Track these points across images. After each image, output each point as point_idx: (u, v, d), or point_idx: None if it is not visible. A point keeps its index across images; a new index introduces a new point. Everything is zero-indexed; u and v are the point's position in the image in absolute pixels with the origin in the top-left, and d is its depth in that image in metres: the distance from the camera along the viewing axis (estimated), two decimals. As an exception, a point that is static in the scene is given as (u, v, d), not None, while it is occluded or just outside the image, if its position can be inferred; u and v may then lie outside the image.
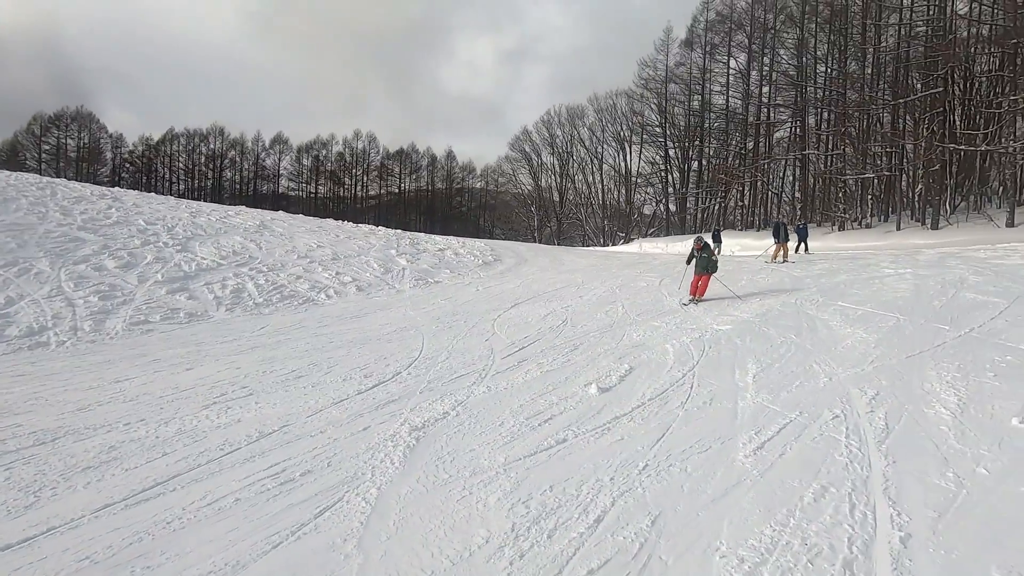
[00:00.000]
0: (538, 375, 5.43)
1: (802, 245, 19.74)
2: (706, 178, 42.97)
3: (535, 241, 48.05)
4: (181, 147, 63.23)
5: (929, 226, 24.75)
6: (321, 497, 3.07)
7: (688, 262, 10.15)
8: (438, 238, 22.82)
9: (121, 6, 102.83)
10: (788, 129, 37.22)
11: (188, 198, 32.19)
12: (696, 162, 44.73)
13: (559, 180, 53.60)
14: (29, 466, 3.67)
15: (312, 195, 66.65)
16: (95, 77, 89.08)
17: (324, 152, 67.00)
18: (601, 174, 51.13)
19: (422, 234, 24.74)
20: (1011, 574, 2.29)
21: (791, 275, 12.10)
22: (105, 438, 4.16)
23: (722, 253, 23.76)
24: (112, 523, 2.86)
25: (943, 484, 3.01)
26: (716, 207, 41.68)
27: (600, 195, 51.23)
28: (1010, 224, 21.87)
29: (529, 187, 54.85)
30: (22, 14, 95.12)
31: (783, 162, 37.57)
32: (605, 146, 50.65)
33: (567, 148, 52.52)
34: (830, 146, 32.30)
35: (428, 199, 69.19)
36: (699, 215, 43.35)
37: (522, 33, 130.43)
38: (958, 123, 26.41)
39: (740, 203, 39.45)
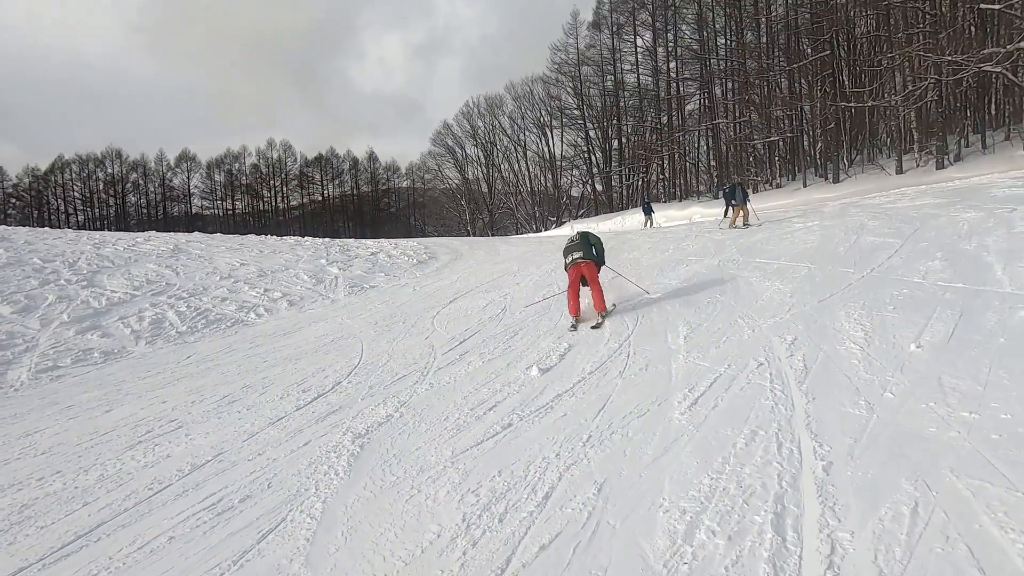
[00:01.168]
0: (480, 365, 5.43)
1: (730, 208, 20.78)
2: (627, 155, 44.25)
3: (469, 235, 47.93)
4: (75, 175, 58.23)
5: (831, 180, 26.64)
6: (263, 520, 2.95)
7: (565, 266, 7.18)
8: (369, 242, 22.29)
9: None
10: (697, 101, 38.90)
11: (89, 229, 29.77)
12: (616, 140, 45.95)
13: (486, 171, 53.65)
14: (-74, 542, 3.30)
15: (229, 212, 63.26)
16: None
17: (237, 165, 63.78)
18: (526, 161, 51.62)
19: (352, 240, 24.08)
20: (918, 481, 2.52)
21: (713, 239, 12.70)
22: (15, 497, 3.80)
23: (654, 225, 24.59)
24: (30, 586, 2.62)
25: (856, 412, 3.27)
26: (639, 182, 43.04)
27: (528, 182, 51.72)
28: (899, 171, 23.89)
29: (456, 181, 54.58)
30: None
31: (696, 133, 39.27)
32: (527, 133, 51.13)
33: (490, 138, 52.58)
34: (737, 114, 34.05)
35: (355, 203, 67.34)
36: (624, 192, 44.63)
37: (431, 26, 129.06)
38: (847, 82, 28.50)
39: (661, 176, 40.93)
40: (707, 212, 27.64)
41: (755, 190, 30.66)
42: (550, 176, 50.07)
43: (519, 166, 52.06)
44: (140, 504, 3.35)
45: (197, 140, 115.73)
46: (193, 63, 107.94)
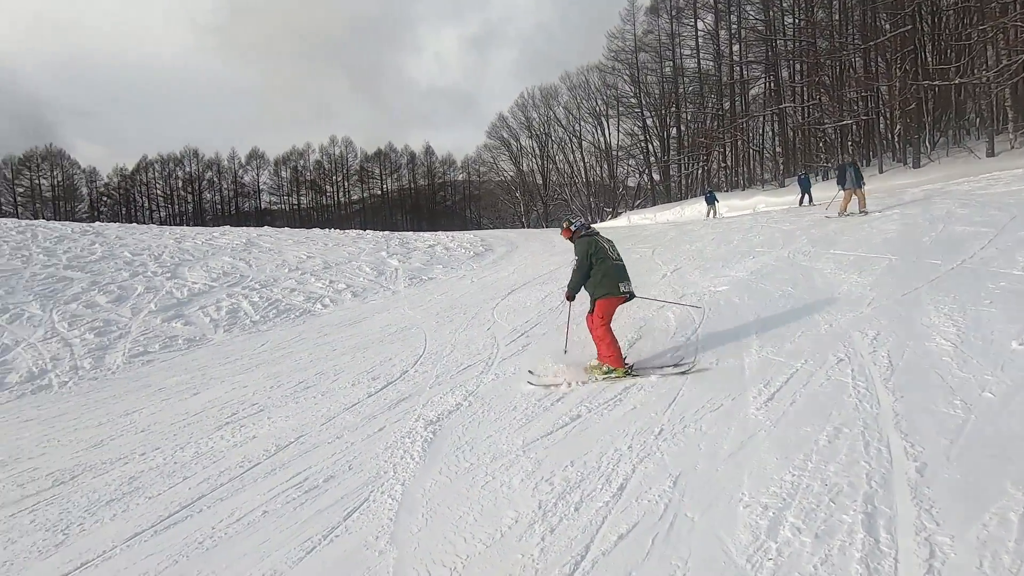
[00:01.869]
0: (544, 356, 5.47)
1: (806, 196, 19.87)
2: (686, 143, 42.94)
3: (523, 227, 48.04)
4: (157, 174, 62.47)
5: (911, 165, 24.88)
6: (347, 499, 3.10)
7: (572, 290, 4.85)
8: (427, 235, 22.75)
9: (71, 38, 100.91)
10: (762, 85, 37.18)
11: (170, 224, 31.92)
12: (675, 128, 44.65)
13: (540, 163, 53.45)
14: (52, 506, 3.68)
15: (295, 207, 66.15)
16: (58, 113, 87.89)
17: (302, 162, 66.44)
18: (581, 151, 51.01)
19: (410, 233, 24.65)
20: (1026, 488, 2.35)
21: (781, 229, 12.17)
22: (123, 470, 4.17)
23: (718, 215, 23.78)
24: (145, 550, 2.88)
25: (951, 412, 3.08)
26: (699, 171, 41.71)
27: (583, 173, 51.15)
28: (990, 154, 22.01)
29: (511, 173, 54.66)
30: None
31: (761, 118, 37.58)
32: (582, 123, 50.47)
33: (545, 130, 52.28)
34: (806, 97, 32.33)
35: (412, 197, 68.83)
36: (683, 181, 43.39)
37: (485, 18, 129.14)
38: (930, 59, 26.45)
39: (723, 164, 39.49)
40: (773, 201, 26.47)
41: (825, 177, 29.09)
42: (606, 166, 49.35)
43: (574, 157, 51.60)
44: (234, 480, 3.60)
45: (265, 138, 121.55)
46: (258, 64, 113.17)
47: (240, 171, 64.95)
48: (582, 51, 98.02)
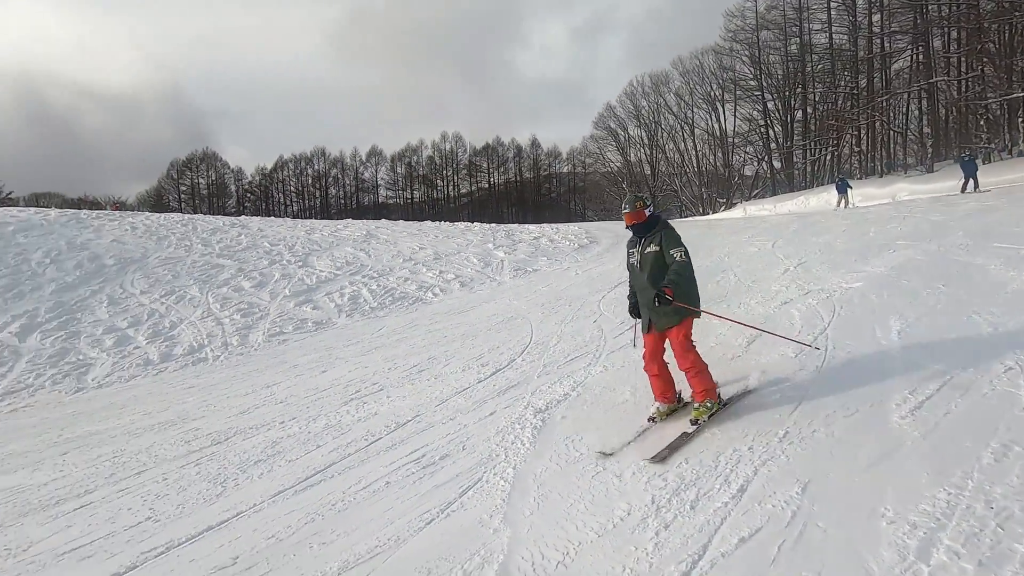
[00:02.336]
0: (654, 350, 5.31)
1: (971, 181, 17.51)
2: (813, 127, 39.33)
3: (629, 219, 46.79)
4: (291, 172, 69.07)
5: (1105, 143, 20.85)
6: (462, 478, 3.25)
7: (632, 310, 3.88)
8: (531, 227, 22.97)
9: (224, 52, 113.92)
10: (908, 58, 32.98)
11: (301, 218, 35.13)
12: (800, 111, 41.06)
13: (649, 152, 51.70)
14: (212, 462, 4.24)
15: (408, 200, 69.89)
16: (212, 120, 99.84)
17: (415, 158, 69.92)
18: (693, 139, 48.57)
19: (515, 225, 25.05)
20: None
21: (929, 220, 10.78)
22: (267, 435, 4.69)
23: (850, 204, 21.56)
24: (287, 507, 3.23)
25: None
26: (828, 157, 38.03)
27: (694, 162, 48.73)
28: None
29: (618, 164, 53.41)
30: (150, 73, 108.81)
31: (905, 96, 33.41)
32: (695, 109, 47.98)
33: (654, 118, 50.40)
34: (963, 69, 28.20)
35: (517, 190, 69.85)
36: (808, 169, 39.83)
37: (594, 8, 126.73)
38: None
39: (856, 149, 35.67)
40: (918, 188, 23.48)
41: (986, 159, 25.27)
42: (719, 154, 46.60)
43: (685, 145, 49.28)
44: (359, 452, 3.91)
45: (383, 136, 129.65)
46: (378, 65, 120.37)
47: (361, 168, 69.85)
48: (695, 34, 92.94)
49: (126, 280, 13.51)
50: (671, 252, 3.59)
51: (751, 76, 42.95)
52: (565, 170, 68.97)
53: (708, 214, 41.05)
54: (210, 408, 6.12)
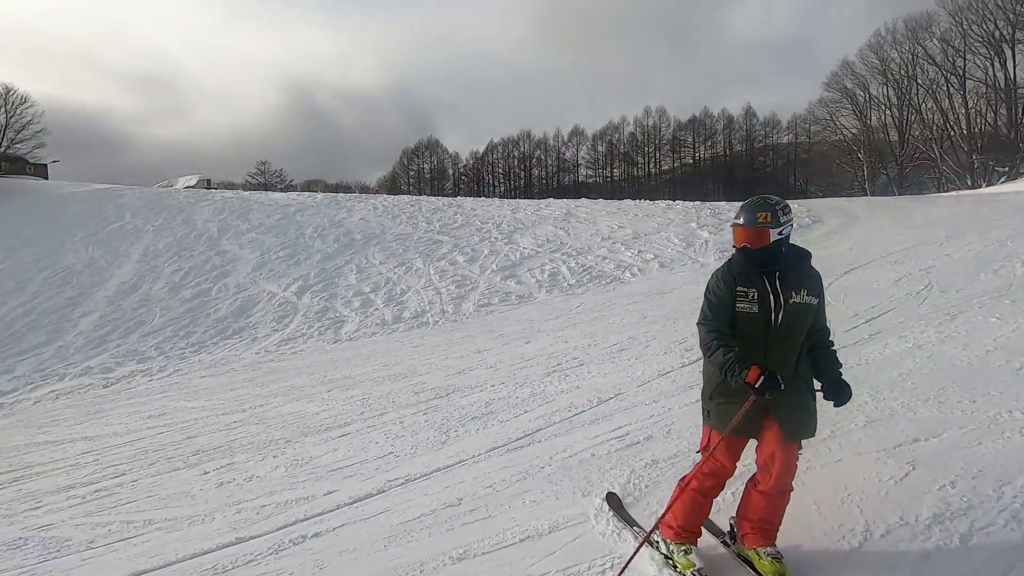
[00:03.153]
0: (903, 350, 4.50)
1: None
2: None
3: (865, 194, 39.94)
4: (499, 155, 74.00)
5: None
6: (667, 463, 3.18)
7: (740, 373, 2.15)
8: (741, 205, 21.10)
9: (444, 45, 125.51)
10: None
11: (507, 198, 37.48)
12: None
13: (897, 114, 43.09)
14: (437, 413, 4.84)
15: (608, 179, 69.66)
16: (433, 108, 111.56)
17: (616, 136, 69.11)
18: (963, 95, 39.04)
19: (723, 203, 23.23)
20: None
21: None
22: (480, 396, 5.18)
23: None
24: (500, 462, 3.54)
25: None
26: None
27: (963, 123, 39.23)
28: None
29: (854, 130, 45.51)
30: (386, 72, 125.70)
31: None
32: (968, 56, 38.43)
33: (908, 71, 41.63)
34: None
35: (726, 164, 64.60)
36: None
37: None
38: None
39: None
40: None
41: None
42: (1003, 111, 36.73)
43: (949, 103, 39.91)
44: (563, 421, 4.09)
45: (585, 115, 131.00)
46: (579, 46, 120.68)
47: (562, 148, 71.58)
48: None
49: (369, 252, 16.03)
50: (824, 317, 2.35)
51: (1062, 4, 32.76)
52: (784, 140, 61.53)
53: (979, 187, 32.92)
54: (433, 366, 6.97)
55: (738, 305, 2.23)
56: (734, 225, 2.26)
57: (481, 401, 4.97)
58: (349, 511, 3.18)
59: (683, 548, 2.28)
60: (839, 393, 2.23)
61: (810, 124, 51.76)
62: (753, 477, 2.25)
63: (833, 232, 13.54)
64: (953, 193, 30.03)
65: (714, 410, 2.27)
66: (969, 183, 35.70)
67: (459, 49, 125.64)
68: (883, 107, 43.64)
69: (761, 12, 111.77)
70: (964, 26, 37.58)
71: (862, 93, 44.08)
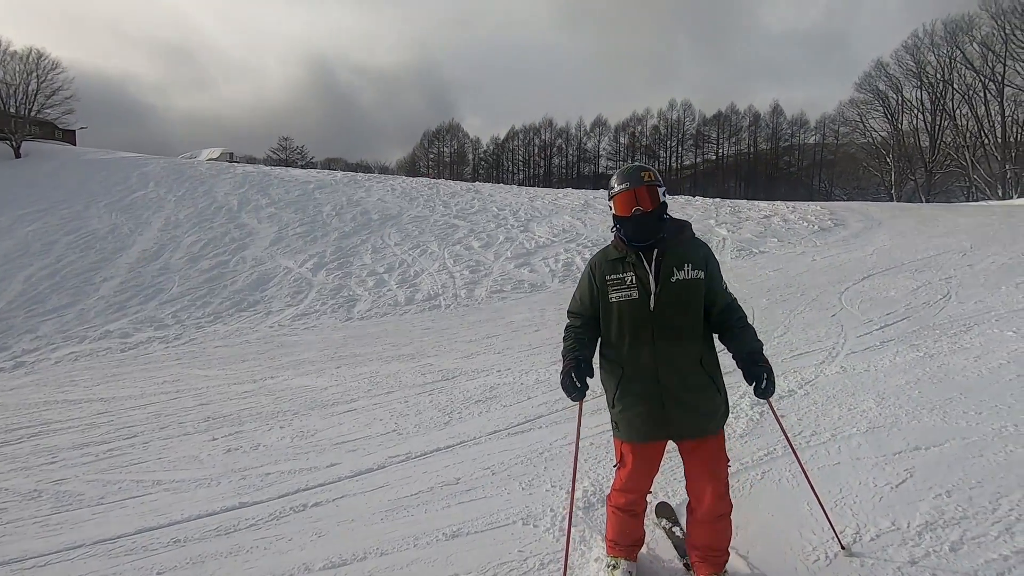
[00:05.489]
0: (914, 358, 4.44)
1: None
2: None
3: (892, 200, 39.12)
4: (520, 142, 73.58)
5: None
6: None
7: (579, 377, 2.19)
8: (762, 204, 20.77)
9: (470, 28, 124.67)
10: None
11: (525, 185, 37.33)
12: None
13: (930, 119, 41.98)
14: (442, 395, 4.90)
15: (628, 172, 68.97)
16: (455, 91, 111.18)
17: (639, 128, 68.28)
18: (1001, 101, 37.88)
19: (743, 201, 22.93)
20: None
21: None
22: (486, 380, 5.23)
23: None
24: (500, 445, 3.59)
25: None
26: None
27: (999, 131, 38.14)
28: None
29: (883, 133, 44.51)
30: (410, 52, 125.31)
31: None
32: (1009, 62, 37.22)
33: (944, 75, 40.49)
34: None
35: (749, 162, 63.57)
36: None
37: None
38: None
39: None
40: None
41: None
42: (1041, 121, 35.60)
43: (985, 110, 38.75)
44: (566, 410, 4.11)
45: (609, 105, 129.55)
46: (605, 34, 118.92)
47: (584, 138, 70.95)
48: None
49: (385, 233, 16.13)
50: (723, 285, 2.13)
51: (1113, 11, 31.54)
52: (811, 141, 60.34)
53: (1010, 197, 32.06)
54: (442, 349, 7.04)
55: (615, 295, 2.03)
56: (617, 194, 2.03)
57: (486, 385, 5.02)
58: (350, 484, 3.26)
59: (612, 562, 2.20)
60: (751, 370, 2.02)
61: (839, 125, 50.61)
62: (688, 504, 2.11)
63: (855, 236, 13.32)
64: (982, 203, 29.28)
65: (618, 418, 2.11)
66: (1000, 193, 34.77)
67: (484, 32, 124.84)
68: (915, 111, 42.54)
69: (794, 4, 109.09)
70: (1007, 30, 36.36)
71: (895, 96, 43.04)
